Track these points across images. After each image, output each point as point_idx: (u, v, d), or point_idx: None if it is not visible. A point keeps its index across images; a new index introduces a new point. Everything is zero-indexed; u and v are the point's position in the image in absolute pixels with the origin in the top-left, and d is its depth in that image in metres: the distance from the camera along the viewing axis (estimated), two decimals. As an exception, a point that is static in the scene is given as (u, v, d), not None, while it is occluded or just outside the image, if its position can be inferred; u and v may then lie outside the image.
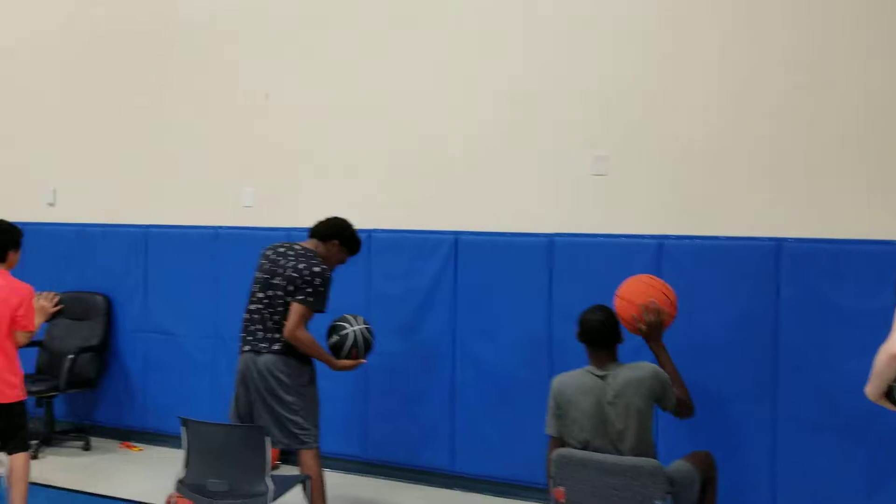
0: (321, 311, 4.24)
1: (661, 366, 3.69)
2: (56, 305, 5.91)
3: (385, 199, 5.51)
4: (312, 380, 4.32)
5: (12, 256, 4.42)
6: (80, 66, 6.59)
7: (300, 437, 4.18)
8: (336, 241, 4.41)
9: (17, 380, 4.35)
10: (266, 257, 4.35)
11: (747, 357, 4.48)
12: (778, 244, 4.45)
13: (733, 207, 4.66)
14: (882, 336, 2.95)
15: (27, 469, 4.35)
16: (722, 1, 4.72)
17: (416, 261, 5.30)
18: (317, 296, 4.18)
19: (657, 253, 4.70)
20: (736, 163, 4.65)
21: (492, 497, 5.08)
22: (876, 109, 4.38)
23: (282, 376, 4.17)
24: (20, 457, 4.33)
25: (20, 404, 4.39)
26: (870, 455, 4.19)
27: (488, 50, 5.25)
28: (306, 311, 4.16)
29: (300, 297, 4.15)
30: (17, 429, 4.34)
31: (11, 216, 4.71)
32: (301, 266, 4.20)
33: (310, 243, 4.39)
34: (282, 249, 4.34)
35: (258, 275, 4.33)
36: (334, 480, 4.74)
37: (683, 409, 3.65)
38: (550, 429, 3.65)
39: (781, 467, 4.41)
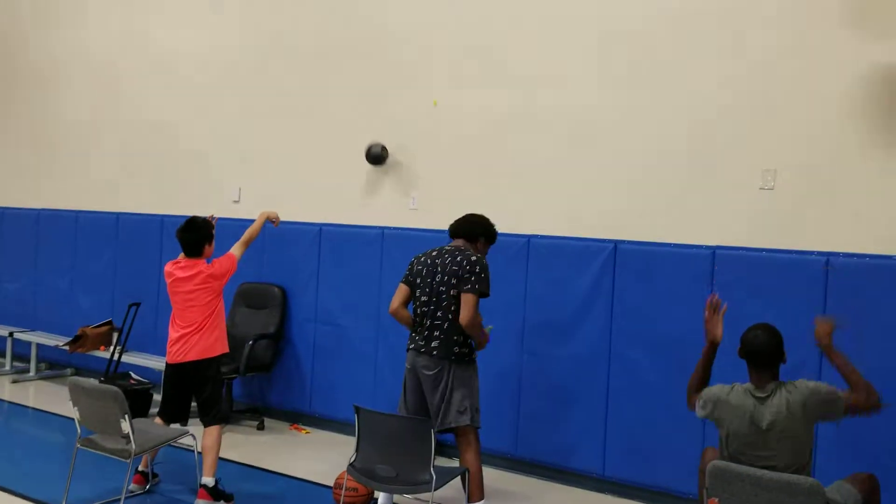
0: (487, 295, 4.52)
1: (838, 368, 3.64)
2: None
3: (545, 205, 5.68)
4: (475, 368, 4.60)
5: (207, 250, 4.94)
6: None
7: (467, 415, 4.44)
8: (482, 239, 4.69)
9: (222, 336, 4.90)
10: (422, 263, 4.62)
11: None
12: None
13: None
14: None
15: (219, 441, 4.83)
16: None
17: (575, 267, 5.44)
18: (482, 282, 4.46)
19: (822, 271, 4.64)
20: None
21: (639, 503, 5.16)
22: None
23: (451, 366, 4.44)
24: (214, 429, 4.84)
25: (219, 374, 4.94)
26: None
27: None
28: (475, 298, 4.43)
29: (467, 287, 4.42)
30: (214, 403, 4.85)
31: (204, 211, 5.39)
32: (459, 259, 4.48)
33: (458, 243, 4.66)
34: (434, 253, 4.62)
35: (418, 280, 4.59)
36: (485, 475, 4.95)
37: (861, 408, 3.55)
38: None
39: None
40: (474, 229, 4.70)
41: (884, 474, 3.91)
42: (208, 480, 4.74)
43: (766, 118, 4.97)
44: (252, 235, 5.10)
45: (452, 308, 4.46)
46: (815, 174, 4.82)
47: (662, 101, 5.30)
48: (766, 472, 3.38)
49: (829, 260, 4.63)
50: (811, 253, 4.71)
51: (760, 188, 4.96)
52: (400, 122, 6.38)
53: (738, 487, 3.41)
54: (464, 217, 4.76)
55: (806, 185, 4.84)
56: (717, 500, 3.49)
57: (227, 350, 4.96)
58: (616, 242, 5.32)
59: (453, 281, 4.45)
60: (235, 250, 5.00)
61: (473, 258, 4.49)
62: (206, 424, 4.86)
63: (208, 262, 4.90)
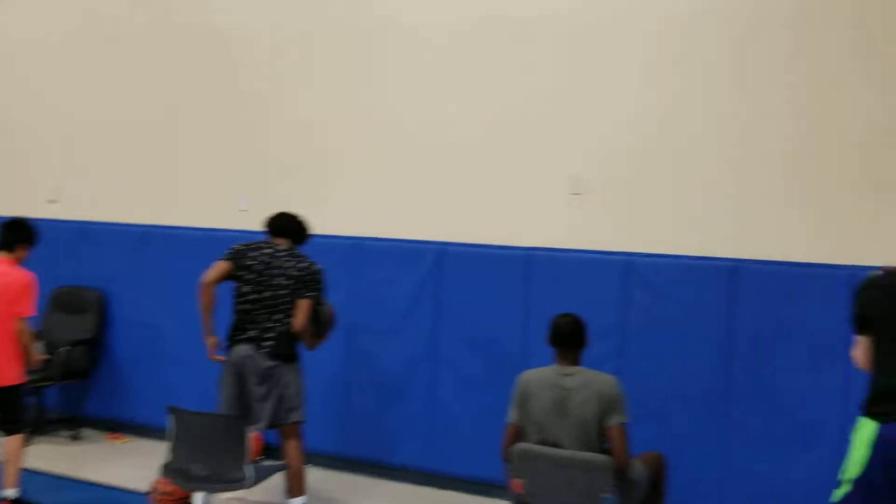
0: (321, 303, 4.62)
1: None
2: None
3: (374, 208, 5.79)
4: (302, 367, 4.66)
5: (20, 250, 4.68)
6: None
7: (293, 412, 4.49)
8: (305, 240, 4.81)
9: (17, 364, 4.60)
10: (256, 258, 4.59)
11: (703, 369, 4.79)
12: (736, 265, 4.78)
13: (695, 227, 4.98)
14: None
15: (21, 451, 4.58)
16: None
17: (402, 269, 5.57)
18: (320, 291, 4.60)
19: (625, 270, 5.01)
20: (697, 186, 4.98)
21: (463, 494, 5.32)
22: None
23: (281, 367, 4.47)
24: (16, 438, 4.58)
25: (19, 387, 4.64)
26: (813, 462, 4.47)
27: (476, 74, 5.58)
28: (311, 304, 4.55)
29: (309, 294, 4.51)
30: (15, 412, 4.60)
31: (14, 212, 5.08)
32: (302, 266, 4.57)
33: (285, 244, 4.69)
34: (268, 251, 4.61)
35: (251, 275, 4.55)
36: (311, 475, 4.96)
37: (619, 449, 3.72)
38: (511, 417, 3.91)
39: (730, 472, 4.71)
40: (300, 232, 4.78)
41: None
42: (10, 493, 4.50)
43: (572, 126, 5.29)
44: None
45: (290, 310, 4.49)
46: (619, 180, 5.20)
47: (476, 108, 5.53)
48: (563, 451, 3.61)
49: (632, 260, 5.00)
50: (617, 253, 5.07)
51: (571, 193, 5.29)
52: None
53: (541, 467, 3.63)
54: (285, 216, 4.80)
55: (611, 191, 5.21)
56: (521, 481, 3.69)
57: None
58: (444, 244, 5.49)
59: (297, 287, 4.51)
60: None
61: (315, 267, 4.60)
62: (8, 433, 4.60)
63: None
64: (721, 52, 4.97)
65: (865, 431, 3.03)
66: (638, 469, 3.82)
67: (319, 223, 5.10)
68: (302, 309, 4.49)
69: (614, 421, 3.72)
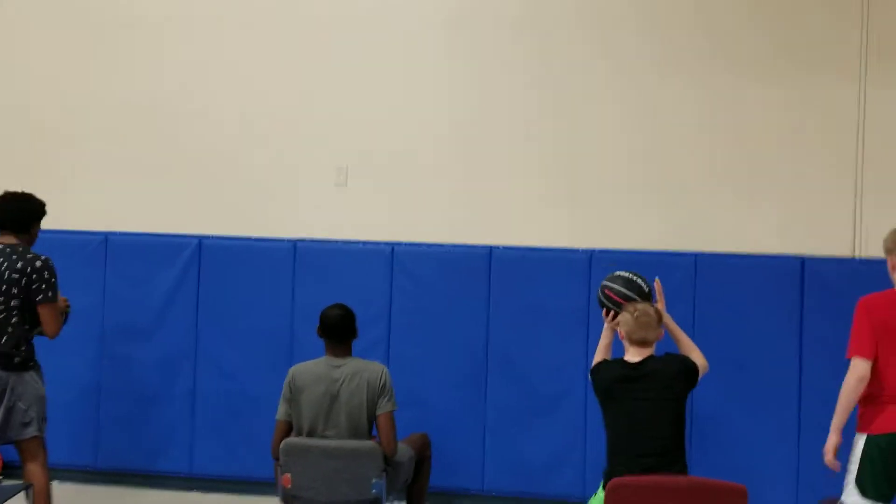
0: (56, 301, 4.05)
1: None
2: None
3: (128, 199, 5.45)
4: (40, 374, 4.16)
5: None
6: None
7: (28, 427, 3.99)
8: (37, 224, 4.16)
9: None
10: None
11: (463, 348, 5.02)
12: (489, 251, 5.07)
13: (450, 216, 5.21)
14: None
15: None
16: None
17: (158, 265, 5.28)
18: (53, 288, 4.00)
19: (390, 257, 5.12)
20: (451, 177, 5.22)
21: (232, 496, 5.17)
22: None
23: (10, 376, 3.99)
24: None
25: None
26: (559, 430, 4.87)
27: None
28: (54, 306, 4.02)
29: (42, 298, 3.96)
30: None
31: None
32: (21, 266, 3.95)
33: (5, 239, 4.05)
34: None
35: None
36: (63, 492, 4.61)
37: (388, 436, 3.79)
38: (280, 413, 3.86)
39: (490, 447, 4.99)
40: (22, 218, 4.08)
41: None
42: None
43: (337, 118, 5.32)
44: None
45: (14, 318, 4.01)
46: (382, 172, 5.29)
47: (237, 99, 5.41)
48: (331, 441, 3.62)
49: (394, 248, 5.12)
50: (381, 243, 5.16)
51: (335, 184, 5.30)
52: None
53: (310, 460, 3.61)
54: (5, 205, 4.08)
55: (375, 182, 5.29)
56: (289, 475, 3.65)
57: None
58: (201, 238, 5.28)
59: (14, 290, 3.94)
60: None
61: (38, 263, 3.98)
62: None
63: None
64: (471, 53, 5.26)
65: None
66: (403, 451, 3.93)
67: (64, 217, 4.70)
68: (49, 317, 3.98)
69: (383, 409, 3.78)
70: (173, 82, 5.47)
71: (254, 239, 5.28)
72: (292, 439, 3.68)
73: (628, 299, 3.50)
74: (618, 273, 3.65)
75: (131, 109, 5.47)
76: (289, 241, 5.23)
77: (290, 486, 3.64)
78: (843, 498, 3.33)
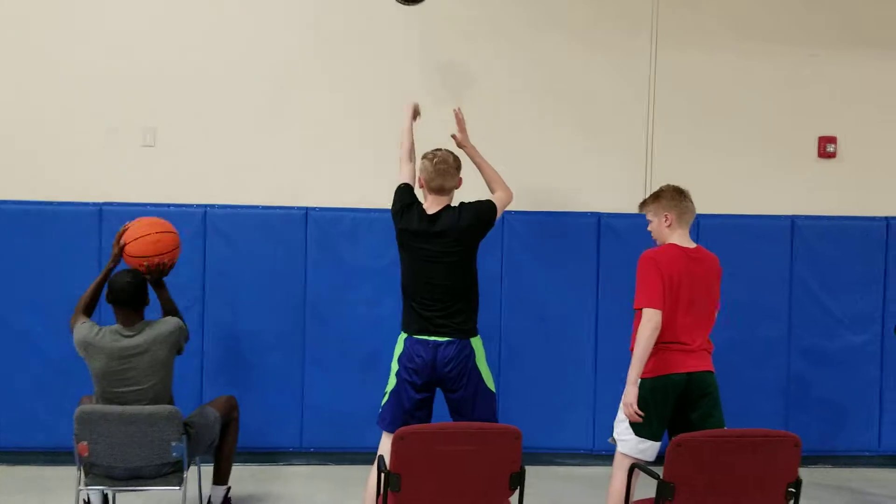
0: None
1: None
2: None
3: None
4: None
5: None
6: None
7: None
8: None
9: None
10: None
11: (281, 309, 5.06)
12: (305, 212, 5.10)
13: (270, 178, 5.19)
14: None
15: None
16: None
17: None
18: None
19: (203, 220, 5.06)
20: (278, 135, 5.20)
21: (33, 467, 4.98)
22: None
23: None
24: None
25: None
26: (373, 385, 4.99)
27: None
28: None
29: None
30: None
31: None
32: None
33: None
34: None
35: None
36: None
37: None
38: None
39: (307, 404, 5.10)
40: None
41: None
42: None
43: (144, 78, 5.15)
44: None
45: None
46: (193, 132, 5.18)
47: (45, 60, 5.15)
48: (127, 407, 3.58)
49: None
50: (193, 206, 5.08)
51: (143, 145, 5.16)
52: None
53: (106, 427, 3.55)
54: None
55: (185, 143, 5.18)
56: (86, 443, 3.58)
57: None
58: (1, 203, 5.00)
59: None
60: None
61: None
62: None
63: None
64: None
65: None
66: (207, 413, 3.94)
67: None
68: None
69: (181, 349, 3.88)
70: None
71: (57, 203, 5.05)
72: (87, 406, 3.61)
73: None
74: None
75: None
76: (94, 205, 5.04)
77: (87, 454, 3.57)
78: (616, 435, 3.61)
